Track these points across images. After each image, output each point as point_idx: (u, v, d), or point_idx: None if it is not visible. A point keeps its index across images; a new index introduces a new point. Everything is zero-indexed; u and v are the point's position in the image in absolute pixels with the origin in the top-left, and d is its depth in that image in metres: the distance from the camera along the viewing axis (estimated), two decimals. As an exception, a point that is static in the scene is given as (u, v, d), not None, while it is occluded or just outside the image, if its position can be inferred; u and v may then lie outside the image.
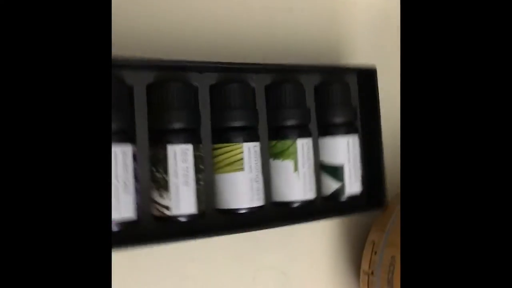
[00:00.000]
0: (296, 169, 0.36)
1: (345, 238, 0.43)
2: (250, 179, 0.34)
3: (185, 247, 0.35)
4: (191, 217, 0.32)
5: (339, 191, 0.38)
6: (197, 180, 0.32)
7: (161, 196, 0.31)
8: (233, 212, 0.34)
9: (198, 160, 0.32)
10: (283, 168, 0.36)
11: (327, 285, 0.41)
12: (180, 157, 0.31)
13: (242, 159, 0.34)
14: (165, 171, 0.31)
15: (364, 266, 0.40)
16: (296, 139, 0.36)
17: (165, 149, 0.31)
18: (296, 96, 0.37)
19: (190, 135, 0.32)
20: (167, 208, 0.31)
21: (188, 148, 0.32)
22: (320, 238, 0.41)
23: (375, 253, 0.39)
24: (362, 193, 0.40)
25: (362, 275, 0.40)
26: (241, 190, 0.34)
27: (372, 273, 0.38)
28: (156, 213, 0.32)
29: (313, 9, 0.42)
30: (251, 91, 0.36)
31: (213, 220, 0.34)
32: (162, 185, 0.31)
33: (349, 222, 0.43)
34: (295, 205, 0.36)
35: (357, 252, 0.43)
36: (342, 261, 0.43)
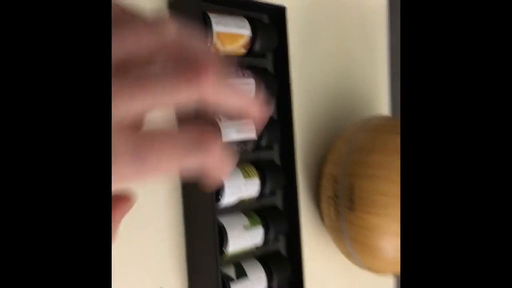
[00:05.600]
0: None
1: (302, 172, 0.54)
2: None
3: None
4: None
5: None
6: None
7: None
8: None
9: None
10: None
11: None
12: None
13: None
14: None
15: (329, 192, 0.50)
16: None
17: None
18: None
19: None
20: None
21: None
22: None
23: (336, 181, 0.49)
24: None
25: (327, 199, 0.51)
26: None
27: (337, 196, 0.49)
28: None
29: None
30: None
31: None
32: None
33: (305, 157, 0.54)
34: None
35: (314, 182, 0.54)
36: (305, 190, 0.54)
